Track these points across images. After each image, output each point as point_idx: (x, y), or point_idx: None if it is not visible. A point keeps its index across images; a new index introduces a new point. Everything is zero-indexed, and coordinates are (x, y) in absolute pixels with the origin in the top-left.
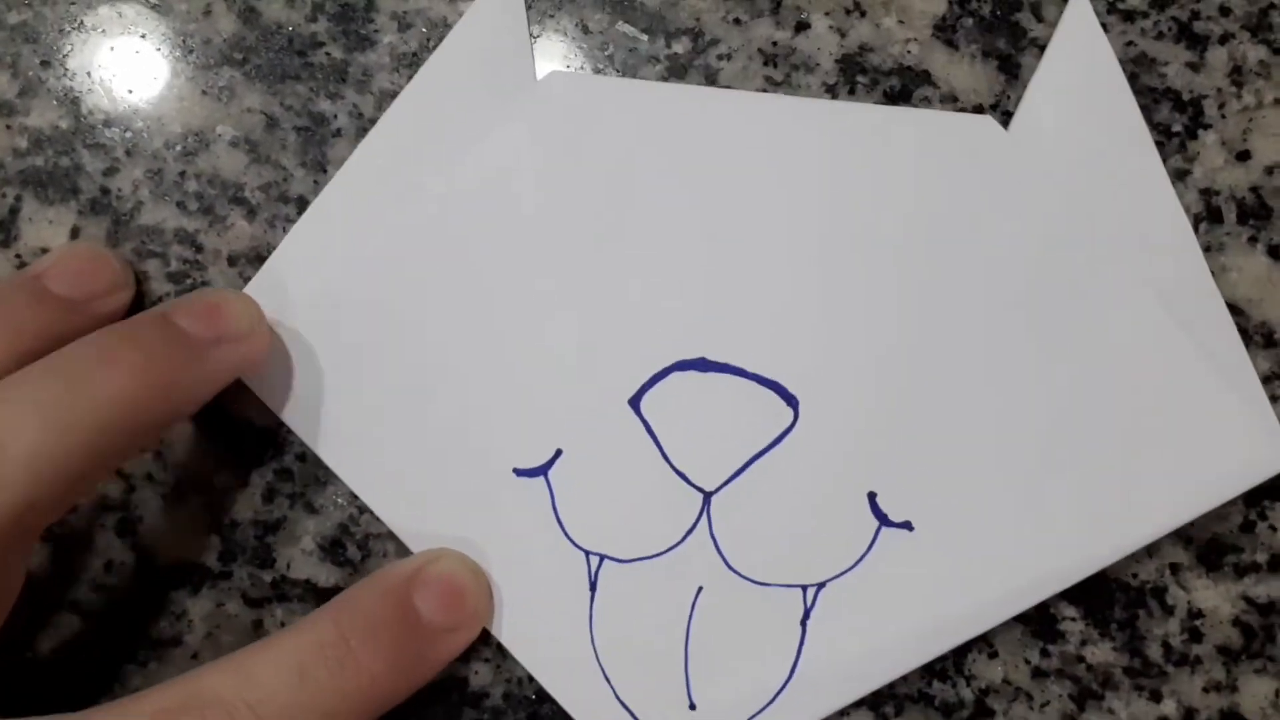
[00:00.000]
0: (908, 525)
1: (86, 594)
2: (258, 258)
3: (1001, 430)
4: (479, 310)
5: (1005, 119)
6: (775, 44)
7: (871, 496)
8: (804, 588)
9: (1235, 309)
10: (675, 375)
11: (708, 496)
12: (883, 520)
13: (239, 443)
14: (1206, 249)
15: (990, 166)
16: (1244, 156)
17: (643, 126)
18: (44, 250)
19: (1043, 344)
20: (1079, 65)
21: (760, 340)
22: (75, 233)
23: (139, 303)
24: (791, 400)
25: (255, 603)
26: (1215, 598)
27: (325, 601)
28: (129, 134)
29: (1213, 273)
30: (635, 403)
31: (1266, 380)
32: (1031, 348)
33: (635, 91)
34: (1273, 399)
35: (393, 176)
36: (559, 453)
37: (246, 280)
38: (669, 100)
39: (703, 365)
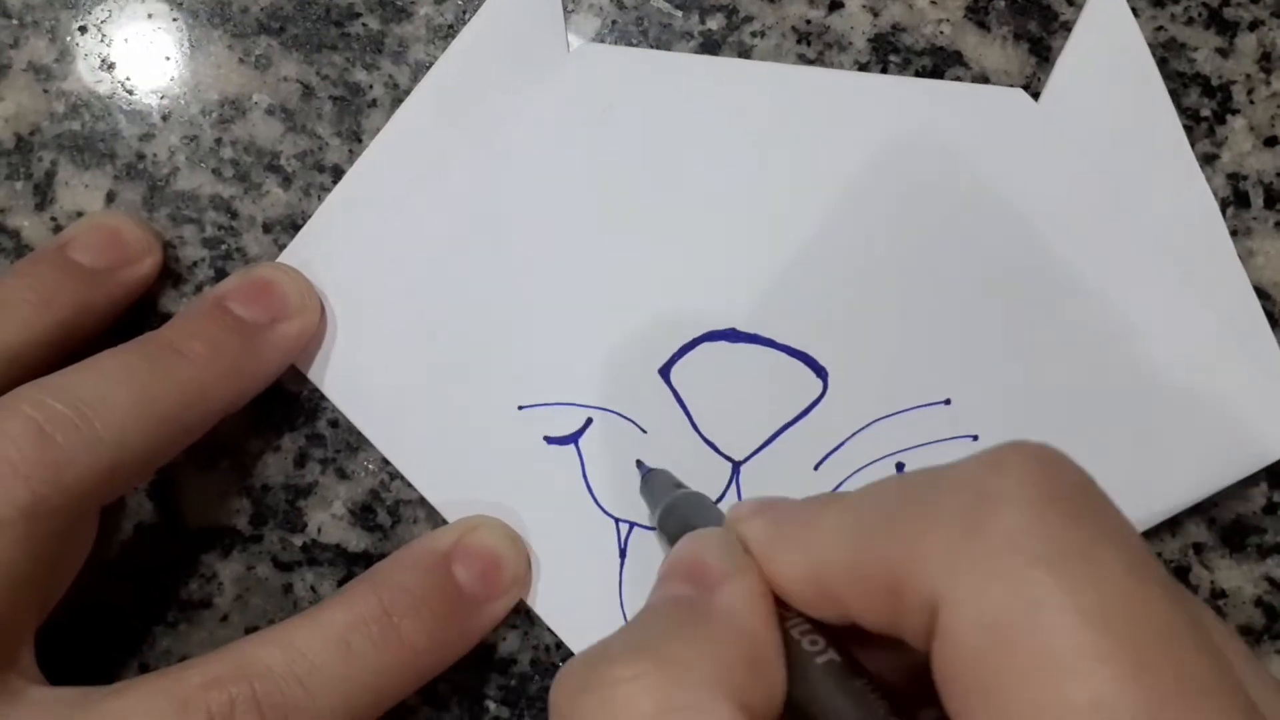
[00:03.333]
0: None
1: (118, 555)
2: (292, 225)
3: (1028, 400)
4: (509, 279)
5: (1035, 100)
6: (809, 22)
7: (899, 467)
8: None
9: (1261, 293)
10: (705, 345)
11: (737, 466)
12: None
13: (272, 407)
14: (1233, 233)
15: (1020, 139)
16: (1272, 142)
17: (673, 98)
18: (79, 214)
19: (1067, 316)
20: (1106, 39)
21: (789, 311)
22: (111, 197)
23: (172, 270)
24: (821, 371)
25: (285, 566)
26: (1238, 578)
27: (355, 567)
28: (165, 100)
29: (1239, 257)
30: (665, 372)
31: None
32: (1056, 319)
33: (665, 63)
34: None
35: (425, 146)
36: (589, 421)
37: (281, 247)
38: (699, 72)
39: (732, 336)
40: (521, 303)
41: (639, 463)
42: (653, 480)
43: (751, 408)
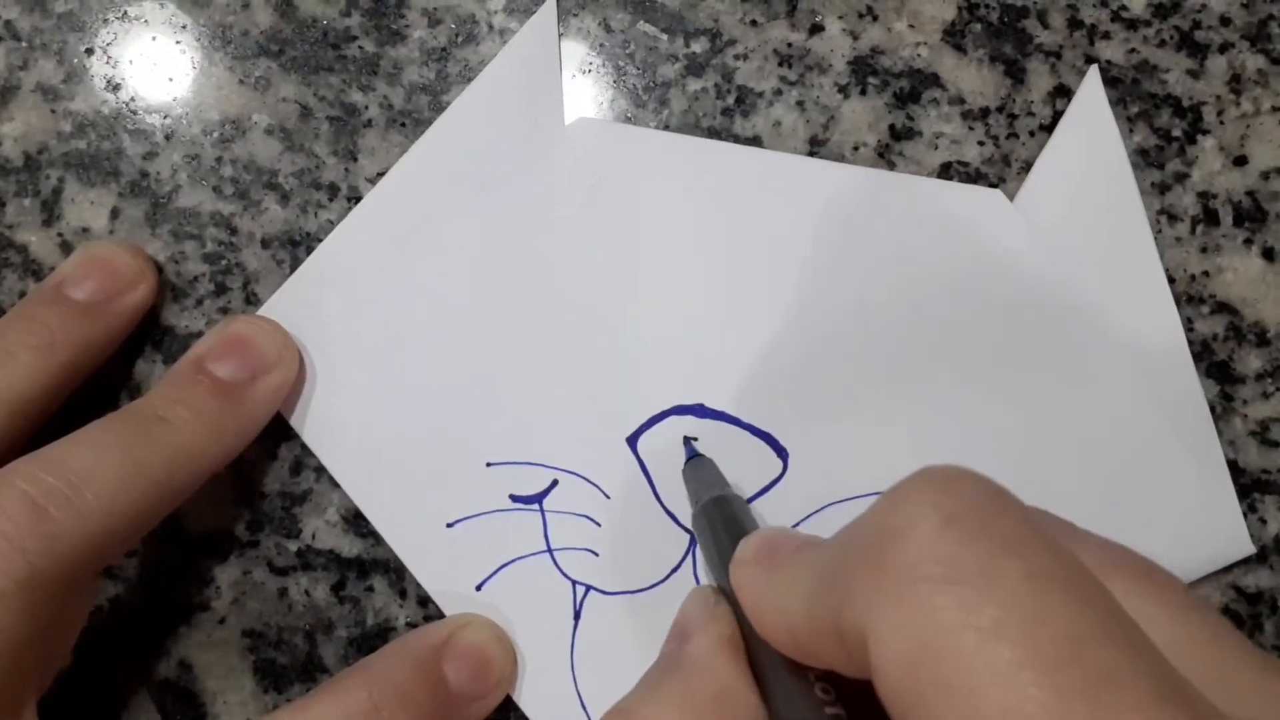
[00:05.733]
0: None
1: (121, 560)
2: (290, 241)
3: None
4: (486, 340)
5: (1010, 121)
6: (790, 45)
7: None
8: None
9: (1230, 309)
10: (673, 418)
11: (694, 538)
12: None
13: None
14: (1203, 250)
15: (993, 237)
16: (1241, 161)
17: (658, 177)
18: (85, 230)
19: (1026, 415)
20: (1086, 143)
21: (756, 392)
22: (115, 214)
23: (173, 284)
24: (782, 452)
25: (281, 571)
26: (1206, 587)
27: (348, 572)
28: (168, 120)
29: (1208, 273)
30: (633, 441)
31: (1259, 377)
32: (1015, 417)
33: (654, 142)
34: (1264, 396)
35: (415, 206)
36: (555, 483)
37: (279, 263)
38: (686, 153)
39: (700, 411)
40: (497, 364)
41: (686, 441)
42: (696, 470)
43: None
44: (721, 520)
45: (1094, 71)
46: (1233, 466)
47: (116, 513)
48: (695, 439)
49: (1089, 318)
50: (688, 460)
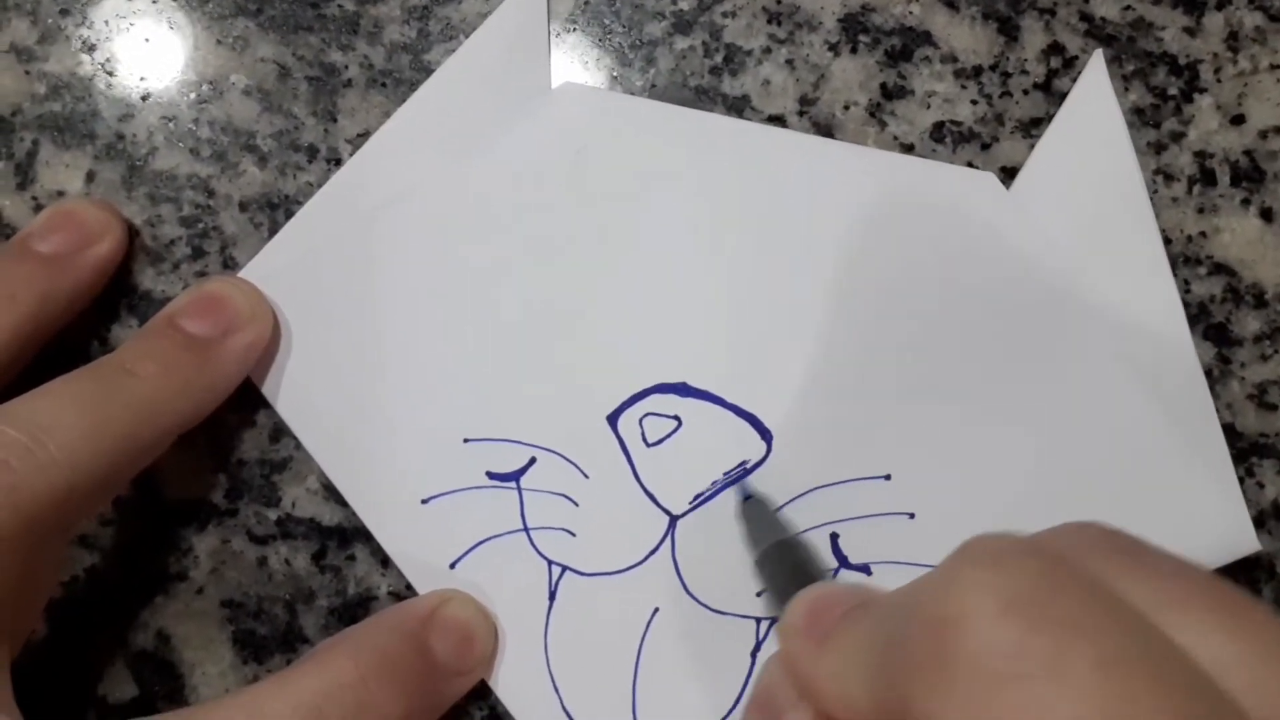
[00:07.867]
0: (866, 569)
1: (96, 529)
2: (268, 204)
3: (969, 485)
4: (465, 312)
5: (1004, 79)
6: (779, 2)
7: (834, 537)
8: (758, 620)
9: (1228, 270)
10: (655, 396)
11: (674, 520)
12: (842, 562)
13: (247, 383)
14: (1200, 210)
15: (988, 223)
16: (1238, 120)
17: (646, 147)
18: (60, 193)
19: (1017, 404)
20: (1088, 130)
21: (743, 372)
22: (90, 177)
23: (150, 248)
24: (766, 434)
25: (260, 540)
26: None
27: (328, 541)
28: (145, 81)
29: (1205, 234)
30: (613, 419)
31: (1257, 339)
32: (1006, 406)
33: (643, 111)
34: (1262, 359)
35: (397, 172)
36: (533, 460)
37: (257, 226)
38: (675, 124)
39: (683, 390)
40: (476, 336)
41: (740, 481)
42: (752, 512)
43: (694, 463)
44: (788, 569)
45: (1098, 55)
46: (1230, 430)
47: (80, 466)
48: (740, 463)
49: (1087, 305)
50: (743, 500)
